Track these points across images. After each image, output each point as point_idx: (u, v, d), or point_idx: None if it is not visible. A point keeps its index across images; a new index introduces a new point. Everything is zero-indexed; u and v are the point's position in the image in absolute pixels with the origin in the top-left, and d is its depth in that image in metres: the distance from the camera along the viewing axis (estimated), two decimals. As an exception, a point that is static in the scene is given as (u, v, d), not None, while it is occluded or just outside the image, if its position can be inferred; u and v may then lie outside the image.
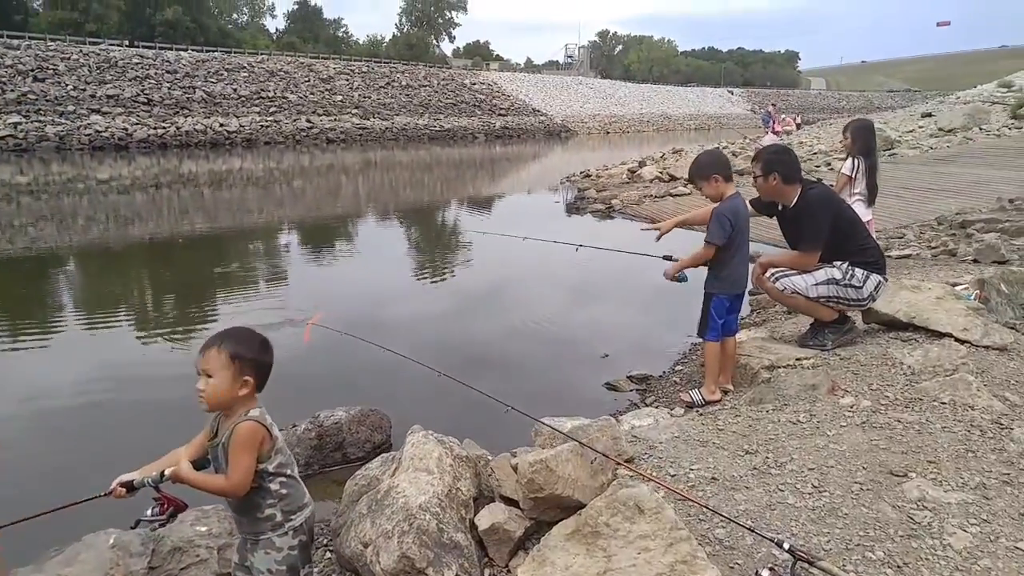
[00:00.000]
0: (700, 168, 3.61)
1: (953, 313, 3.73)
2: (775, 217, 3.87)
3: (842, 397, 3.23)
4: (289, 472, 2.00)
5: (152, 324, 6.70)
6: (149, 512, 1.90)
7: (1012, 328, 3.93)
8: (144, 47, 40.53)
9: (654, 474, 2.61)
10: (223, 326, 2.05)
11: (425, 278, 8.60)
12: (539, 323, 6.20)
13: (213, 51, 44.18)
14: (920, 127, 18.56)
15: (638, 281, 6.85)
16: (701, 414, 3.51)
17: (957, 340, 3.62)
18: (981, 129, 16.51)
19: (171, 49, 41.66)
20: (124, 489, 1.86)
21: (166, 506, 1.92)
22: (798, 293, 3.66)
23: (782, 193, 3.67)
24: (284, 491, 1.97)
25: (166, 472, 1.85)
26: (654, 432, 3.11)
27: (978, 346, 3.59)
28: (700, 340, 3.75)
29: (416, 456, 2.31)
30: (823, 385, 3.32)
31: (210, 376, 1.81)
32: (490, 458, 3.28)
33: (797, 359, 3.71)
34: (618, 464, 2.43)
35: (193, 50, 42.94)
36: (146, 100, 34.92)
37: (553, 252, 5.07)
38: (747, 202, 3.93)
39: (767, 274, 3.73)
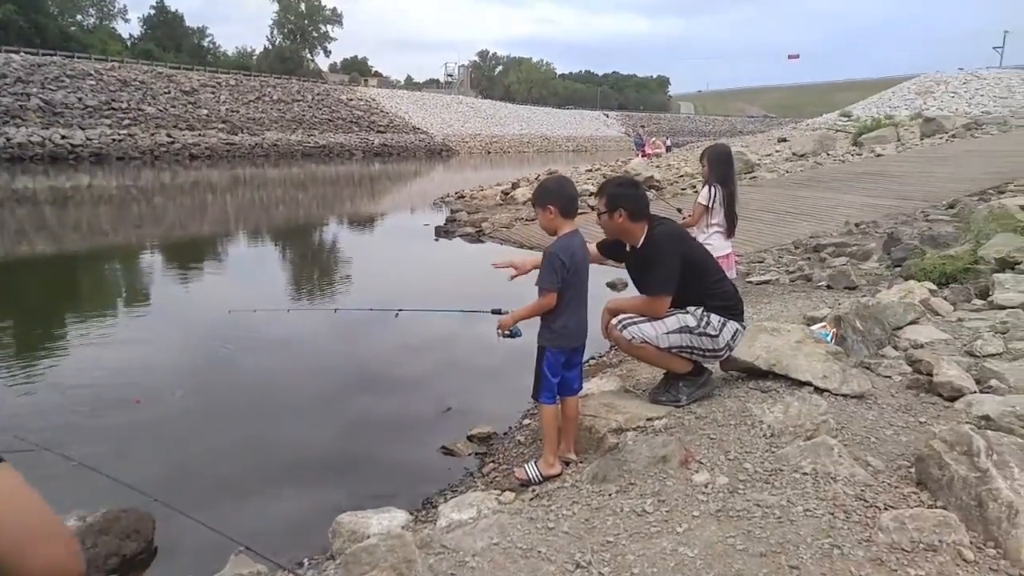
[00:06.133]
0: (538, 194, 3.07)
1: (812, 358, 3.38)
2: (623, 260, 3.38)
3: (696, 472, 2.73)
4: None
5: None
6: None
7: (867, 368, 3.66)
8: (-33, 48, 36.04)
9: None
10: None
11: (196, 356, 6.01)
12: (367, 384, 5.26)
13: (52, 55, 39.85)
14: (777, 151, 19.60)
15: (488, 328, 6.17)
16: (537, 494, 2.92)
17: (817, 389, 3.27)
18: (829, 155, 17.59)
19: (0, 51, 37.24)
20: None
21: None
22: (648, 343, 3.16)
23: (629, 232, 3.18)
24: None
25: None
26: (470, 537, 2.46)
27: (837, 395, 3.25)
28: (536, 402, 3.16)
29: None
30: (675, 456, 2.82)
31: None
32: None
33: (648, 419, 3.21)
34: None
35: (26, 52, 38.50)
36: (-33, 107, 30.98)
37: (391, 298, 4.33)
38: (595, 245, 3.43)
39: (614, 321, 3.22)
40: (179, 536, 3.16)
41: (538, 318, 3.01)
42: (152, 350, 6.13)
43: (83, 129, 33.61)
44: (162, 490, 3.38)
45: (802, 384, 3.33)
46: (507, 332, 3.01)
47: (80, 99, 36.08)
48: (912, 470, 2.55)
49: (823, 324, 3.93)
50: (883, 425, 2.93)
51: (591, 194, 3.20)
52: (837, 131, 22.42)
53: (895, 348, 3.79)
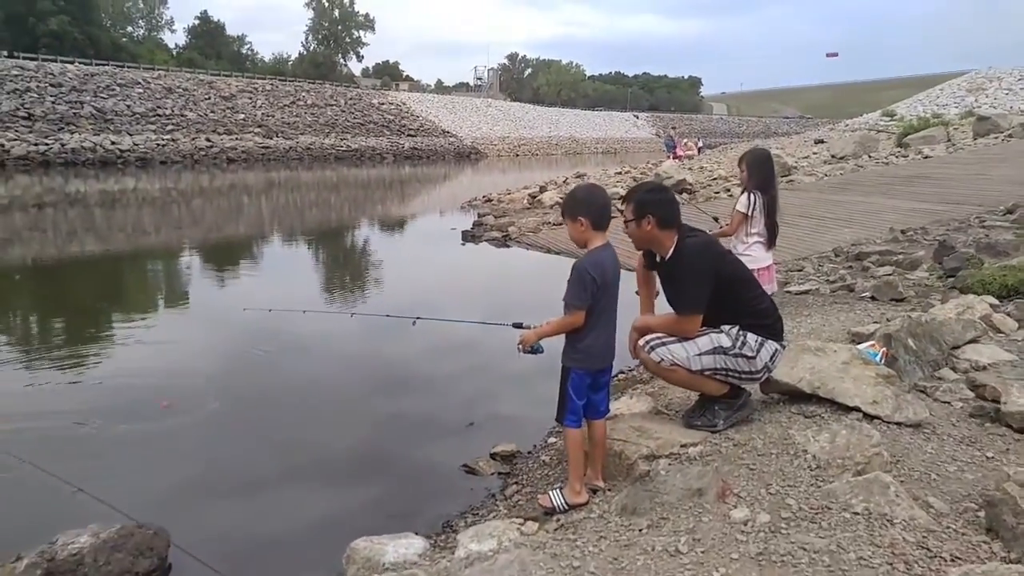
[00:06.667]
0: (568, 204, 2.87)
1: (861, 382, 3.12)
2: (655, 270, 3.17)
3: (734, 507, 2.51)
4: None
5: None
6: None
7: (923, 392, 3.38)
8: (26, 58, 37.35)
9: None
10: None
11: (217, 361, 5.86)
12: (387, 394, 5.07)
13: (103, 65, 41.27)
14: (814, 153, 19.04)
15: (512, 338, 5.91)
16: (561, 524, 2.73)
17: (866, 416, 3.01)
18: (870, 157, 16.98)
19: (55, 61, 38.54)
20: None
21: None
22: (678, 365, 2.94)
23: (657, 241, 2.96)
24: None
25: None
26: (488, 575, 2.27)
27: (890, 423, 2.98)
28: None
29: None
30: (711, 488, 2.60)
31: None
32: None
33: (682, 445, 2.99)
34: None
35: (80, 63, 39.92)
36: (26, 115, 32.30)
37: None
38: (640, 257, 3.23)
39: (642, 341, 3.00)
40: (197, 550, 3.04)
41: (562, 336, 2.81)
42: (169, 349, 6.10)
43: (131, 135, 34.82)
44: (170, 508, 3.27)
45: (850, 410, 3.07)
46: (528, 348, 2.82)
47: (128, 106, 37.32)
48: (980, 514, 2.29)
49: (871, 343, 3.65)
50: (945, 460, 2.67)
51: (620, 198, 3.01)
52: (879, 132, 21.69)
53: (953, 370, 3.49)
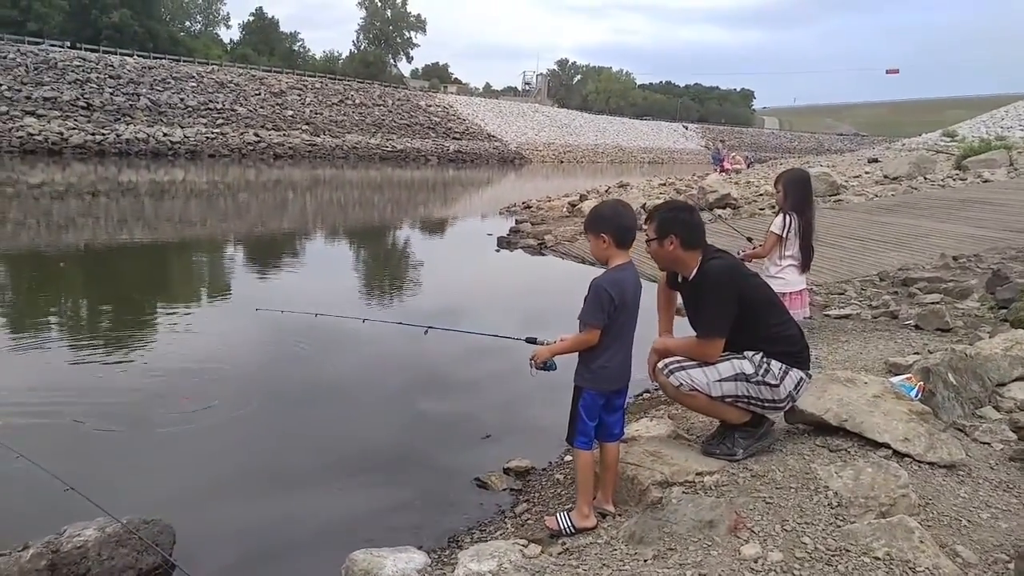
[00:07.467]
0: (591, 220, 2.79)
1: (892, 417, 2.96)
2: (677, 290, 3.07)
3: (746, 541, 2.40)
4: None
5: None
6: None
7: (960, 431, 3.20)
8: (87, 50, 38.95)
9: None
10: None
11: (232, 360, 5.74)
12: (403, 401, 4.98)
13: (161, 58, 42.75)
14: (867, 173, 18.43)
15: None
16: (566, 548, 2.65)
17: (896, 453, 2.85)
18: (926, 179, 16.36)
19: (115, 53, 40.08)
20: None
21: None
22: (698, 390, 2.83)
23: (681, 261, 2.87)
24: None
25: None
26: (485, 596, 2.21)
27: (921, 462, 2.83)
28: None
29: None
30: (723, 521, 2.49)
31: None
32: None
33: (698, 473, 2.88)
34: None
35: (139, 56, 41.46)
36: (85, 104, 33.67)
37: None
38: (663, 276, 3.14)
39: (661, 364, 2.90)
40: (200, 550, 3.06)
41: (576, 354, 2.74)
42: (174, 345, 6.12)
43: (182, 127, 35.92)
44: (168, 509, 3.18)
45: (878, 446, 2.92)
46: (541, 364, 2.75)
47: (182, 99, 38.54)
48: (1011, 566, 2.14)
49: (907, 376, 3.47)
50: (978, 505, 2.51)
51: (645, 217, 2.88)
52: (938, 152, 20.90)
53: (996, 409, 3.30)
